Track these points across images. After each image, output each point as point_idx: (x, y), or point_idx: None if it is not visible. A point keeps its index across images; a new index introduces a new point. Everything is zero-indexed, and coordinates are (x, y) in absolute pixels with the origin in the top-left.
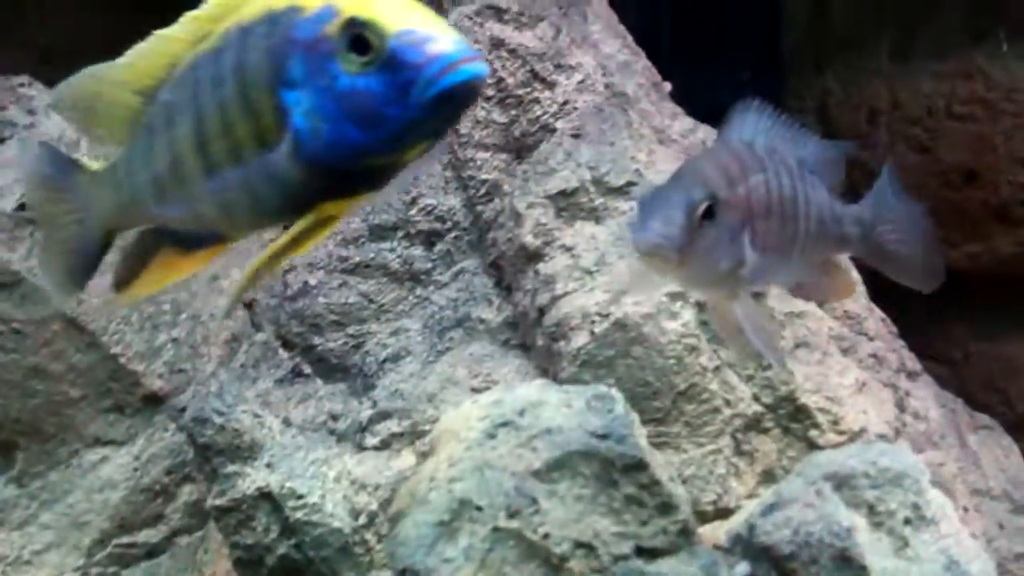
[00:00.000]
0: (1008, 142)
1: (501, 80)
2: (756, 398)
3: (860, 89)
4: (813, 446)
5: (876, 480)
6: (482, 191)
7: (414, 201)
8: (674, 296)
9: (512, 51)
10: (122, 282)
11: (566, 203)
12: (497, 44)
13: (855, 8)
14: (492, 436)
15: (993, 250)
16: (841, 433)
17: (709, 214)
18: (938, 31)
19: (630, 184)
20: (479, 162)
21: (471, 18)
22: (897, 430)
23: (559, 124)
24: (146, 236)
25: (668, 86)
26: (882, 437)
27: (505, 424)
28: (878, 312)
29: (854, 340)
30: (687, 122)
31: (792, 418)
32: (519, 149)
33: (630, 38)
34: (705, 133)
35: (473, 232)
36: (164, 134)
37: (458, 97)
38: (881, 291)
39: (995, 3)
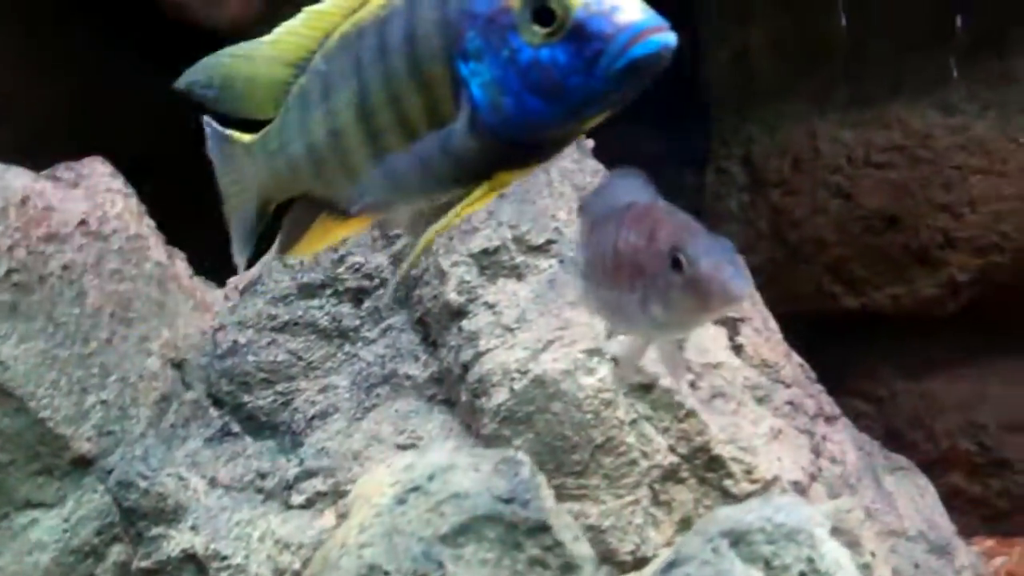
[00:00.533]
0: (925, 188)
1: None
2: (672, 449)
3: (783, 137)
4: (728, 495)
5: (772, 535)
6: (408, 249)
7: (342, 259)
8: (591, 352)
9: None
10: (286, 244)
11: (488, 261)
12: None
13: (777, 59)
14: (402, 501)
15: (915, 292)
16: (755, 482)
17: None
18: (857, 82)
19: (550, 242)
20: None
21: None
22: (812, 475)
23: None
24: (306, 201)
25: (590, 143)
26: (796, 484)
27: (415, 489)
28: (796, 358)
29: (770, 388)
30: None
31: (707, 468)
32: (446, 206)
33: None
34: None
35: (400, 289)
36: (322, 104)
37: (647, 68)
38: (807, 334)
39: (910, 56)
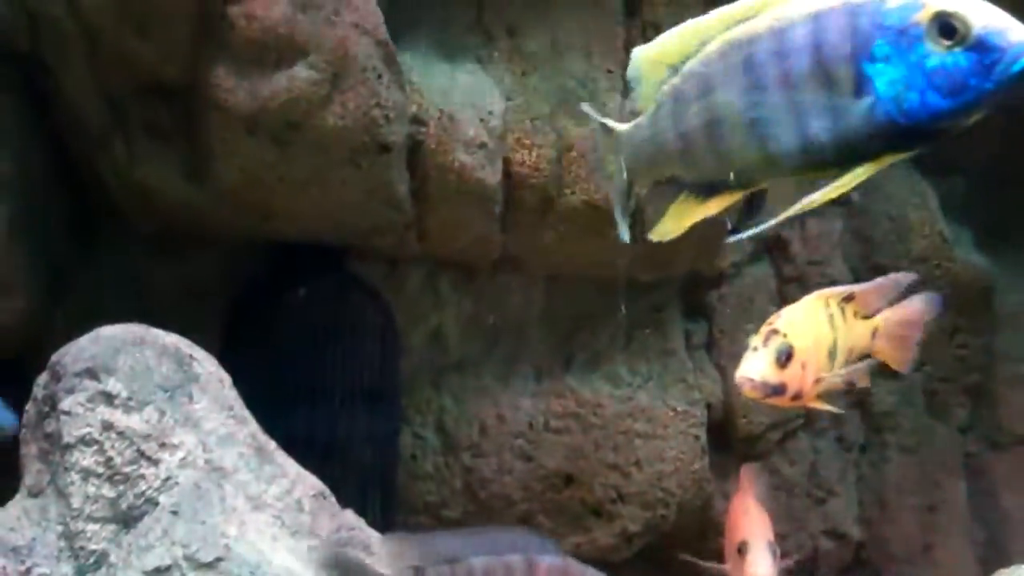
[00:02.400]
0: (598, 450)
1: (111, 459)
2: None
3: (471, 406)
4: None
5: None
6: (91, 560)
7: (29, 571)
8: None
9: (120, 433)
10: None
11: None
12: (107, 427)
13: (467, 335)
14: None
15: (593, 540)
16: None
17: None
18: (534, 355)
19: (219, 559)
20: (89, 534)
21: (83, 404)
22: None
23: (162, 499)
24: (667, 185)
25: (273, 444)
26: None
27: None
28: None
29: None
30: (285, 483)
31: None
32: (126, 521)
33: (239, 405)
34: (303, 489)
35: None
36: (700, 99)
37: None
38: None
39: (580, 334)
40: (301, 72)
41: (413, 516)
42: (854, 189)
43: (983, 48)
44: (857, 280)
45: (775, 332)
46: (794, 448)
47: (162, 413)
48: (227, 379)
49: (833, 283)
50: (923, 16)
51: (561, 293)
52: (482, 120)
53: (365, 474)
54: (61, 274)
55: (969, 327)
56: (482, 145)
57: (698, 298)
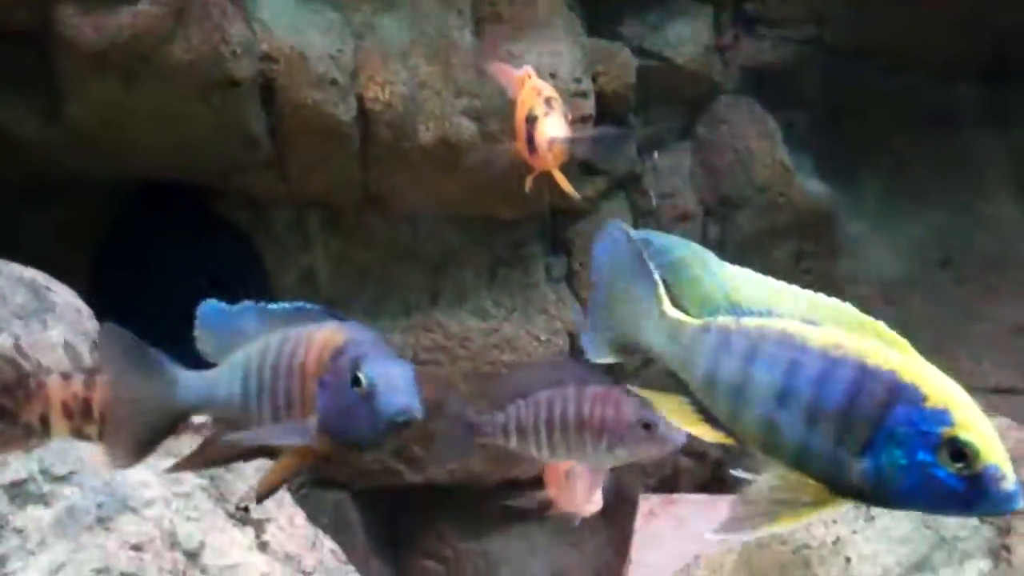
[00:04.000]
0: (465, 381)
1: None
2: None
3: None
4: None
5: None
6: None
7: None
8: (100, 571)
9: None
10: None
11: (18, 491)
12: None
13: (337, 274)
14: None
15: (466, 467)
16: None
17: None
18: (403, 292)
19: (72, 473)
20: None
21: None
22: None
23: None
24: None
25: None
26: None
27: None
28: (327, 544)
29: None
30: None
31: None
32: None
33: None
34: None
35: None
36: (742, 361)
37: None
38: (382, 507)
39: (444, 269)
40: (145, 7)
41: None
42: None
43: (983, 483)
44: (707, 213)
45: (550, 99)
46: (652, 374)
47: (16, 338)
48: (85, 309)
49: (685, 216)
50: (947, 434)
51: (426, 231)
52: (332, 57)
53: None
54: None
55: (813, 252)
56: (333, 82)
57: (557, 233)
